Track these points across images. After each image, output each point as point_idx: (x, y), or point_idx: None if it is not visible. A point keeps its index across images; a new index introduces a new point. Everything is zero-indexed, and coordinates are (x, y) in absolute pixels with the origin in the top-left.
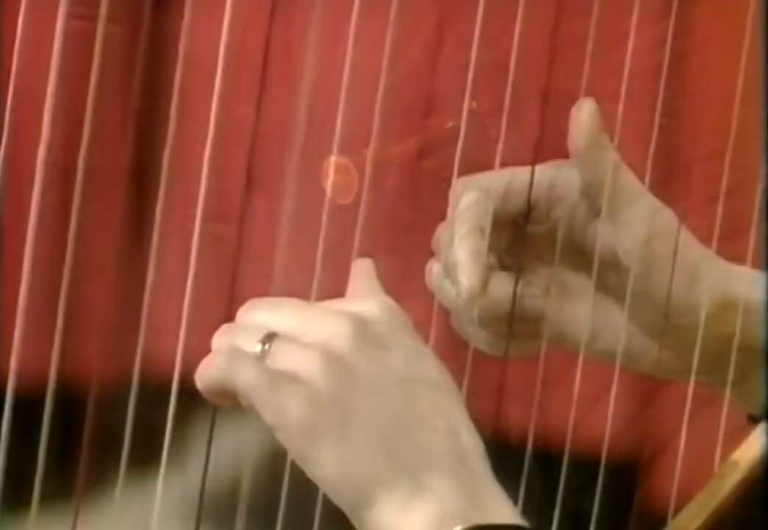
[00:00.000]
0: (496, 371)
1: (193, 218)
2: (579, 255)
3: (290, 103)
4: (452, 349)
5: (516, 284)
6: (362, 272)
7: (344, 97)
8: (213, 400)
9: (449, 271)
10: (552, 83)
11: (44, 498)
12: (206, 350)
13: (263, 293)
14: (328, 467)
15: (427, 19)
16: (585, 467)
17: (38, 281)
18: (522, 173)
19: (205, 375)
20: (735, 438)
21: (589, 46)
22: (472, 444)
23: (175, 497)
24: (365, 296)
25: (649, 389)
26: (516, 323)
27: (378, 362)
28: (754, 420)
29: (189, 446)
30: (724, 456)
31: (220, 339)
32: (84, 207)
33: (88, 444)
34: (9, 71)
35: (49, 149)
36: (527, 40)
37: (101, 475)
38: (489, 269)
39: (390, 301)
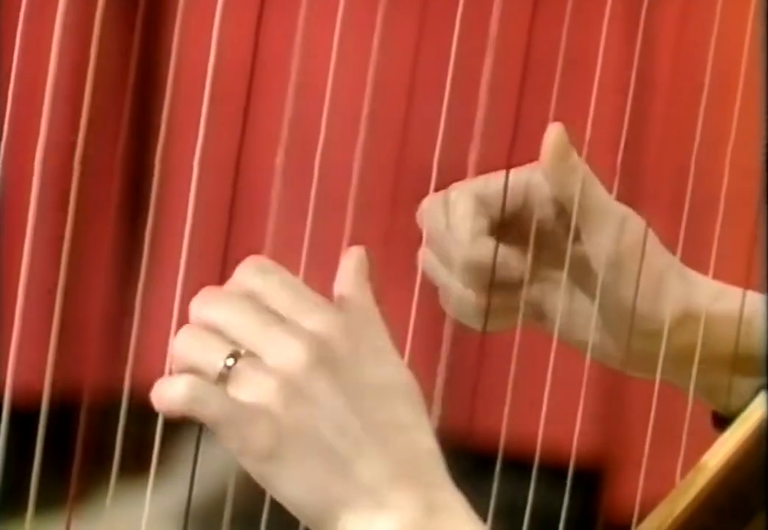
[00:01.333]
0: (470, 373)
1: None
2: (560, 255)
3: (275, 133)
4: (428, 344)
5: (496, 248)
6: (351, 264)
7: (325, 126)
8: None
9: (447, 231)
10: (522, 108)
11: (39, 506)
12: None
13: None
14: (291, 490)
15: (404, 55)
16: (552, 473)
17: (34, 297)
18: (501, 175)
19: (166, 400)
20: (699, 443)
21: (559, 66)
22: (429, 452)
23: (164, 505)
24: (345, 296)
25: (616, 396)
26: (498, 291)
27: (335, 387)
28: (718, 420)
29: (177, 456)
30: (687, 462)
31: (180, 350)
32: (77, 228)
33: (80, 454)
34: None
35: (44, 171)
36: (499, 64)
37: (93, 484)
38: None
39: (361, 304)
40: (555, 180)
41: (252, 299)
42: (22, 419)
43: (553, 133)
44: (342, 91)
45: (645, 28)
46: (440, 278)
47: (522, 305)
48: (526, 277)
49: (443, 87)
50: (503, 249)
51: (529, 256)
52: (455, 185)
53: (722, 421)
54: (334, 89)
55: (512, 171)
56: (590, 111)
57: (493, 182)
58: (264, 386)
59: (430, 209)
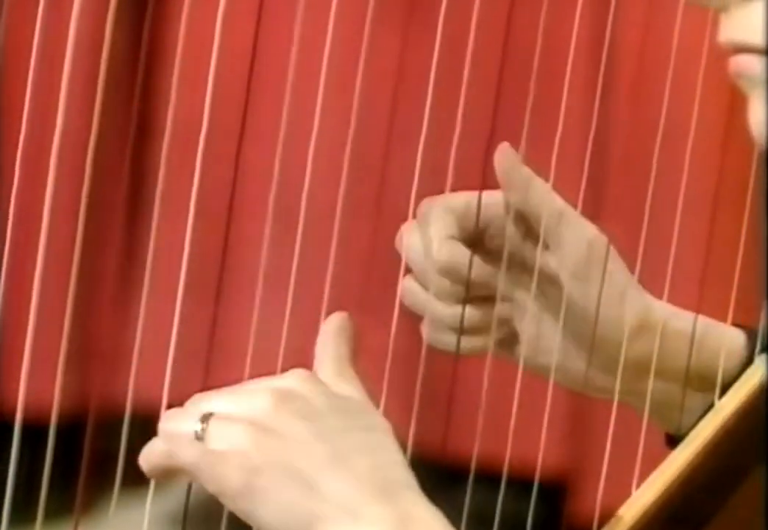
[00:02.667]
0: (444, 395)
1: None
2: (527, 272)
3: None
4: (405, 368)
5: (465, 297)
6: (330, 331)
7: (310, 167)
8: (157, 479)
9: (422, 248)
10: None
11: (47, 515)
12: (188, 384)
13: (240, 339)
14: (270, 519)
15: (383, 99)
16: (519, 487)
17: (43, 326)
18: (478, 194)
19: (150, 459)
20: (654, 459)
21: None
22: (397, 468)
23: (164, 511)
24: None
25: (579, 416)
26: (472, 307)
27: (296, 421)
28: (671, 441)
29: None
30: (642, 476)
31: (163, 424)
32: (84, 255)
33: (87, 465)
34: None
35: (53, 210)
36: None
37: (98, 493)
38: (463, 251)
39: (306, 372)
40: (514, 194)
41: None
42: (34, 432)
43: (501, 152)
44: (325, 136)
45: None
46: (418, 303)
47: (494, 323)
48: (498, 295)
49: (419, 130)
50: (475, 258)
51: (501, 274)
52: (425, 200)
53: (674, 440)
54: (319, 133)
55: (485, 192)
56: (558, 129)
57: (464, 196)
58: (232, 431)
59: (406, 230)
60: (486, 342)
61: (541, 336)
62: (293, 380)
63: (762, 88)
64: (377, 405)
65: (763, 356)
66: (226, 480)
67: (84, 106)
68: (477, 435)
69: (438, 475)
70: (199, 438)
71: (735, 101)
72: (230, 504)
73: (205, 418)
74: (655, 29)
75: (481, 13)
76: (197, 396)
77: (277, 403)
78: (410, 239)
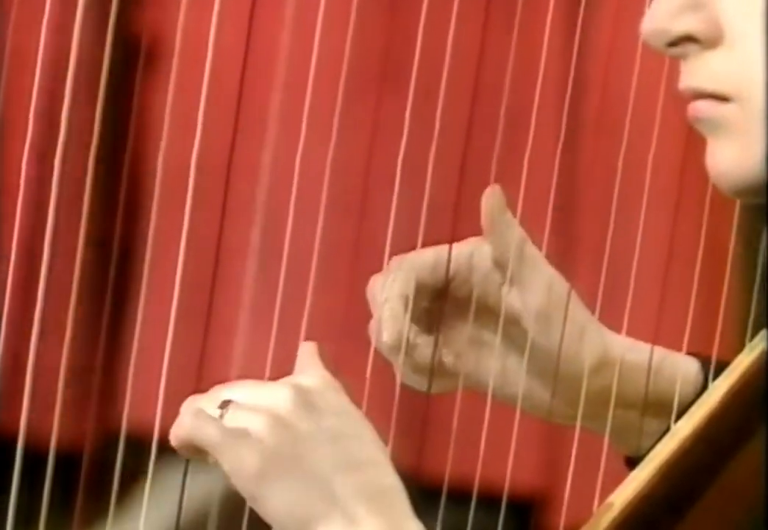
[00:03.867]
0: (419, 422)
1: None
2: (492, 315)
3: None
4: (382, 401)
5: (435, 345)
6: (306, 352)
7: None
8: (186, 454)
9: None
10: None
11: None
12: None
13: (227, 366)
14: (276, 507)
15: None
16: (488, 506)
17: (44, 353)
18: (444, 250)
19: (176, 433)
20: (615, 479)
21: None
22: (394, 485)
23: (157, 525)
24: (307, 370)
25: (546, 439)
26: (436, 374)
27: (313, 421)
28: (630, 463)
29: (167, 485)
30: (604, 497)
31: (187, 405)
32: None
33: (83, 486)
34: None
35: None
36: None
37: (95, 510)
38: (406, 329)
39: (326, 374)
40: (494, 237)
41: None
42: (34, 455)
43: (490, 194)
44: (307, 181)
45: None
46: (385, 350)
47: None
48: (462, 344)
49: (395, 176)
50: (421, 335)
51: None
52: (397, 258)
53: (633, 461)
54: (300, 180)
55: (456, 245)
56: (523, 176)
57: (431, 252)
58: (254, 419)
59: (373, 288)
60: (455, 383)
61: (507, 371)
62: (314, 380)
63: (719, 132)
64: None
65: (764, 333)
66: (240, 463)
67: (79, 154)
68: (449, 457)
69: (411, 488)
70: (221, 416)
71: (692, 142)
72: (239, 485)
73: (225, 404)
74: (617, 70)
75: (451, 66)
76: (216, 388)
77: (296, 399)
78: (375, 294)
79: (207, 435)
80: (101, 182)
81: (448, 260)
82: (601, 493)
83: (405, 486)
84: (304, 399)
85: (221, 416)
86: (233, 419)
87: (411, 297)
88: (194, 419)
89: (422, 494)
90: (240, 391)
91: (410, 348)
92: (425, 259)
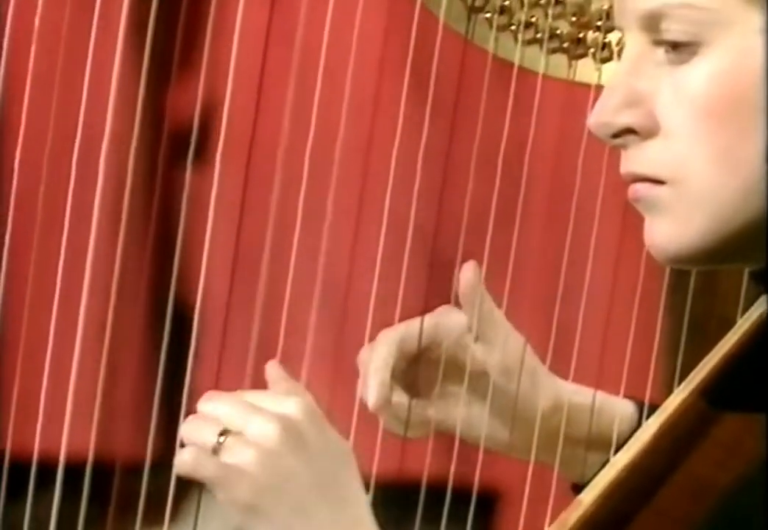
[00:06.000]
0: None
1: None
2: (460, 371)
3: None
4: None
5: (409, 405)
6: (277, 375)
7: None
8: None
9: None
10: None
11: None
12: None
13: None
14: None
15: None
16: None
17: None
18: (418, 323)
19: (179, 467)
20: (562, 502)
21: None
22: (368, 512)
23: None
24: (290, 396)
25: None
26: (412, 424)
27: (299, 454)
28: (576, 488)
29: (187, 508)
30: (554, 517)
31: (187, 429)
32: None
33: (115, 504)
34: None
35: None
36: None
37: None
38: (390, 392)
39: (308, 402)
40: (469, 309)
41: (238, 395)
42: (72, 477)
43: (466, 269)
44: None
45: None
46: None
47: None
48: (435, 398)
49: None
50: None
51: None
52: (383, 333)
53: (578, 487)
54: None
55: (428, 316)
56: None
57: (407, 326)
58: (245, 454)
59: (362, 358)
60: (427, 430)
61: (472, 417)
62: (299, 412)
63: (654, 210)
64: None
65: (688, 379)
66: (234, 495)
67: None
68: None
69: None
70: (216, 450)
71: (630, 219)
72: (236, 515)
73: (222, 434)
74: (565, 160)
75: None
76: (210, 399)
77: (283, 434)
78: (364, 361)
79: (205, 472)
80: (130, 258)
81: (420, 331)
82: (552, 514)
83: (385, 485)
84: (291, 431)
85: (218, 444)
86: (228, 451)
87: (392, 364)
88: (194, 457)
89: (402, 492)
90: (233, 416)
91: (392, 407)
92: (400, 333)
